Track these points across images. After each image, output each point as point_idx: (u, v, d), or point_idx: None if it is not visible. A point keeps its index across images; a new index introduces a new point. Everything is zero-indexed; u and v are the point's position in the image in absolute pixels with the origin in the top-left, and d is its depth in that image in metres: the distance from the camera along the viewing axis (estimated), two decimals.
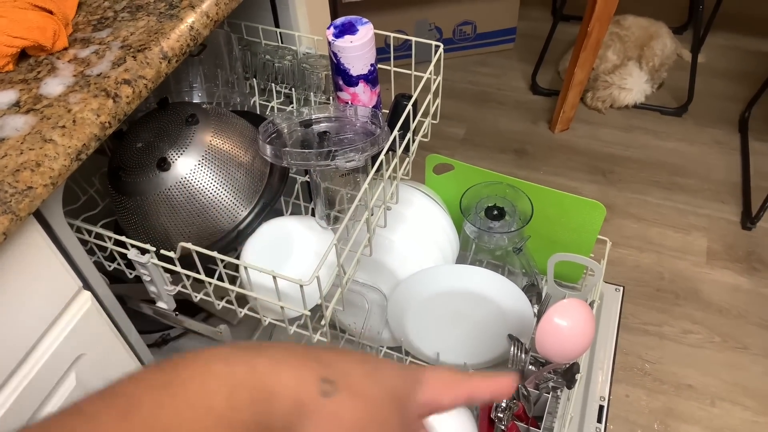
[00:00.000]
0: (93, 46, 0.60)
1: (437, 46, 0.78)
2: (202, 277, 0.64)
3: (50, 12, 0.58)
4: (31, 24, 0.56)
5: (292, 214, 0.89)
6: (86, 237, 0.69)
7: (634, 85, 1.85)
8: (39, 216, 0.54)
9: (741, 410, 1.20)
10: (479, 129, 1.86)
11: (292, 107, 0.92)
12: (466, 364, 1.01)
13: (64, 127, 0.51)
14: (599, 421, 0.96)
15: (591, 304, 0.87)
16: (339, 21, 0.72)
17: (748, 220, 1.53)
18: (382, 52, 0.78)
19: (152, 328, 1.08)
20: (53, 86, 0.55)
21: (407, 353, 1.05)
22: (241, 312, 0.70)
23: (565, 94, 1.73)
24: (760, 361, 1.28)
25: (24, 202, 0.47)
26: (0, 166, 0.48)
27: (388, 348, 1.05)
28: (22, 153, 0.49)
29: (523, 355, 0.85)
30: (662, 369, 1.27)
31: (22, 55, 0.58)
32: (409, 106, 0.72)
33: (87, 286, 0.63)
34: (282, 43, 0.91)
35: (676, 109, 1.86)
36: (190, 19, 0.62)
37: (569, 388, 0.84)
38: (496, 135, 1.84)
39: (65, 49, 0.59)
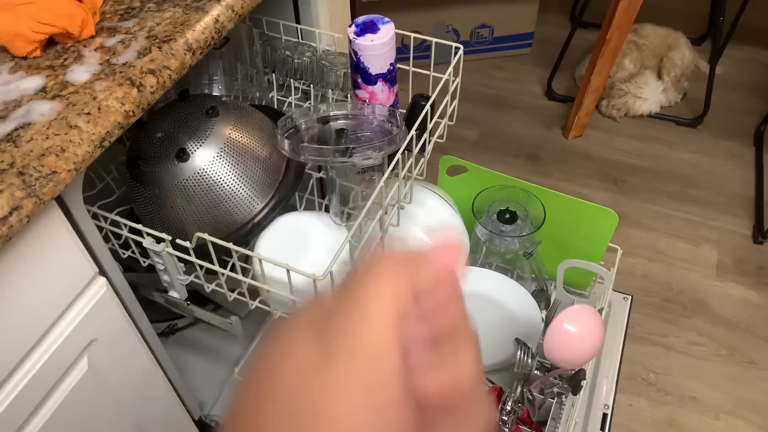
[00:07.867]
0: (119, 36, 0.60)
1: (457, 48, 0.78)
2: (217, 267, 0.65)
3: (79, 0, 0.59)
4: (60, 11, 0.57)
5: (305, 209, 0.90)
6: (102, 223, 0.70)
7: (649, 95, 1.84)
8: (59, 200, 0.55)
9: (745, 425, 1.20)
10: (492, 133, 1.86)
11: (310, 103, 0.92)
12: None
13: (89, 114, 0.52)
14: (602, 428, 0.96)
15: (599, 312, 0.87)
16: (360, 19, 0.72)
17: (760, 234, 1.52)
18: (400, 52, 0.78)
19: (160, 317, 1.09)
20: (79, 73, 0.56)
21: None
22: (252, 304, 0.70)
23: (580, 101, 1.73)
24: (766, 377, 1.27)
25: (48, 187, 0.48)
26: (26, 150, 0.49)
27: None
28: (47, 138, 0.50)
29: (529, 360, 0.85)
30: (667, 380, 1.27)
31: (50, 42, 0.59)
32: (427, 107, 0.72)
33: (102, 272, 0.63)
34: (302, 39, 0.92)
35: (691, 120, 1.85)
36: (216, 11, 0.63)
37: (574, 394, 0.84)
38: (510, 139, 1.84)
39: (92, 37, 0.60)
